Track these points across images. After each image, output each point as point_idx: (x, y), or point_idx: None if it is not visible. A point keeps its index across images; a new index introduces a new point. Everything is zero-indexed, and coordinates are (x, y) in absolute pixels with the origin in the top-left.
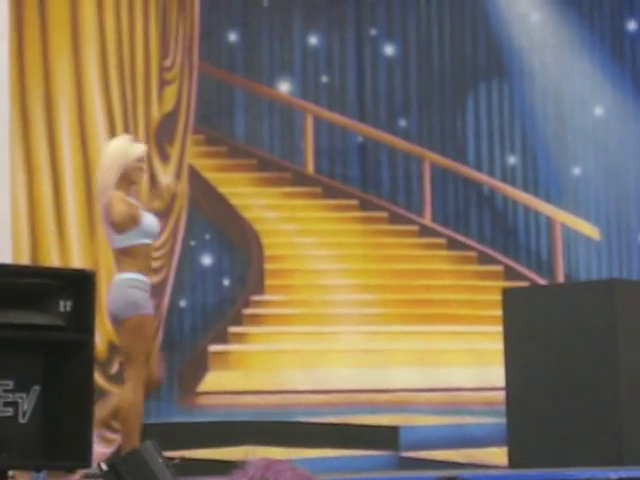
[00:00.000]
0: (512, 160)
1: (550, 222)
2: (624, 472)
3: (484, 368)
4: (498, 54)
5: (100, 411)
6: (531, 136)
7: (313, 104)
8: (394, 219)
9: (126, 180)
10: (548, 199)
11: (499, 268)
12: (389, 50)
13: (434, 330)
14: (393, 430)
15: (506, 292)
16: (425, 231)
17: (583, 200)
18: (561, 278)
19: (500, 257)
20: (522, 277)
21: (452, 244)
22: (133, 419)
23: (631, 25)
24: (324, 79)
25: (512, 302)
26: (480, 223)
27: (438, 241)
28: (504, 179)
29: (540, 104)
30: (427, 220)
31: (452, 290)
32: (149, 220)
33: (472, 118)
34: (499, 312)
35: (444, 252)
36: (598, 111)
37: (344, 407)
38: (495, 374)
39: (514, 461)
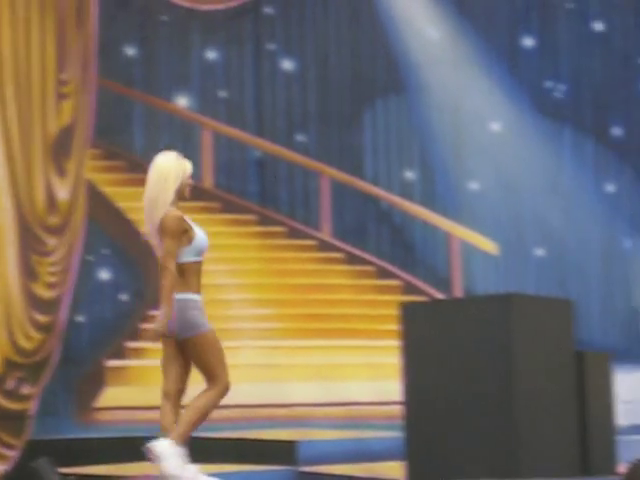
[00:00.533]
0: (410, 175)
1: (448, 237)
2: None
3: (382, 382)
4: (396, 69)
5: None
6: (429, 151)
7: (211, 119)
8: (293, 234)
9: (178, 196)
10: (446, 214)
11: (397, 283)
12: (287, 65)
13: (332, 344)
14: (291, 445)
15: (404, 306)
16: (324, 246)
17: (480, 215)
18: (459, 292)
19: (398, 272)
20: (420, 292)
21: (351, 259)
22: (199, 419)
23: (527, 41)
24: (222, 94)
25: (410, 316)
26: (378, 238)
27: (337, 256)
28: (402, 194)
29: (437, 119)
30: (326, 235)
31: (351, 304)
32: (201, 237)
33: (370, 133)
34: (397, 326)
35: (343, 267)
36: (495, 126)
37: (243, 422)
38: (393, 388)
39: (411, 475)
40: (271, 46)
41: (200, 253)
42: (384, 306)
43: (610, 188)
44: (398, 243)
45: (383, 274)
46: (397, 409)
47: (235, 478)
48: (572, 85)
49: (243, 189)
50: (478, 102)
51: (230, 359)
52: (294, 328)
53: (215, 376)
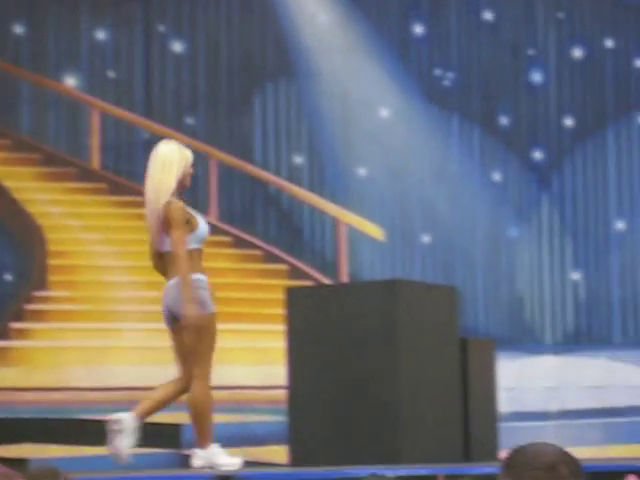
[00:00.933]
0: (298, 160)
1: (335, 222)
2: (402, 470)
3: (267, 366)
4: (286, 54)
5: None
6: (317, 136)
7: (99, 99)
8: None
9: (180, 185)
10: (334, 199)
11: (284, 267)
12: (177, 47)
13: (218, 328)
14: (176, 428)
15: (289, 291)
16: (212, 229)
17: (368, 201)
18: (345, 278)
19: (285, 256)
20: (307, 276)
21: (238, 243)
22: (206, 414)
23: (417, 29)
24: (111, 74)
25: (295, 301)
26: (266, 222)
27: (223, 239)
28: (290, 179)
29: (327, 105)
30: (213, 218)
31: (237, 288)
32: (203, 225)
33: (259, 117)
34: (283, 311)
35: (229, 250)
36: (384, 113)
37: (127, 404)
38: (278, 372)
39: (295, 459)
40: (161, 27)
41: (202, 240)
42: (270, 290)
43: (496, 176)
44: (285, 227)
45: (270, 258)
46: (281, 393)
47: None
48: (461, 73)
49: (131, 171)
50: (367, 88)
51: (115, 341)
52: None
53: (192, 367)
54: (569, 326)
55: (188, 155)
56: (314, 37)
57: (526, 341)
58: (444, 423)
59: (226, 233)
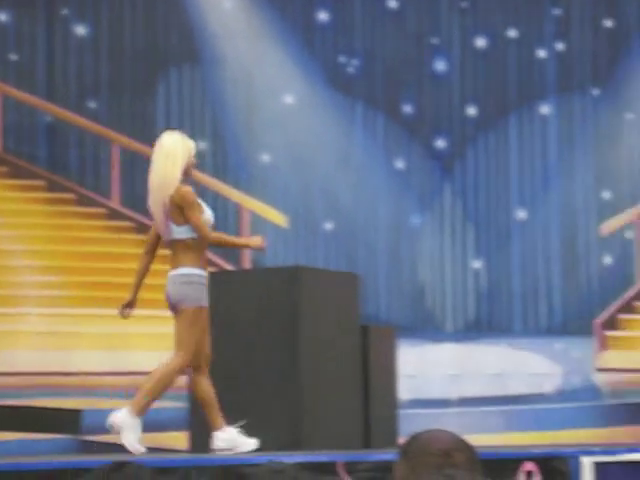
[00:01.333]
0: (202, 146)
1: (238, 209)
2: (300, 457)
3: (168, 352)
4: (190, 40)
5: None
6: (221, 122)
7: (1, 81)
8: (82, 201)
9: (185, 175)
10: (237, 186)
11: None
12: (80, 30)
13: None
14: (76, 414)
15: None
16: (113, 214)
17: (271, 188)
18: (248, 264)
19: None
20: (210, 263)
21: (140, 228)
22: (159, 386)
23: (322, 16)
24: (13, 57)
25: None
26: None
27: (126, 224)
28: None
29: (231, 91)
30: (115, 203)
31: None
32: (208, 213)
33: (163, 102)
34: None
35: (131, 235)
36: (288, 99)
37: (27, 390)
38: None
39: (195, 446)
40: (64, 11)
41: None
42: None
43: (400, 164)
44: None
45: None
46: (183, 379)
47: (16, 446)
48: (365, 61)
49: (32, 154)
50: (272, 75)
51: (15, 326)
52: (81, 296)
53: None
54: (470, 314)
55: (191, 145)
56: (219, 23)
57: (427, 329)
58: (344, 410)
59: (128, 218)
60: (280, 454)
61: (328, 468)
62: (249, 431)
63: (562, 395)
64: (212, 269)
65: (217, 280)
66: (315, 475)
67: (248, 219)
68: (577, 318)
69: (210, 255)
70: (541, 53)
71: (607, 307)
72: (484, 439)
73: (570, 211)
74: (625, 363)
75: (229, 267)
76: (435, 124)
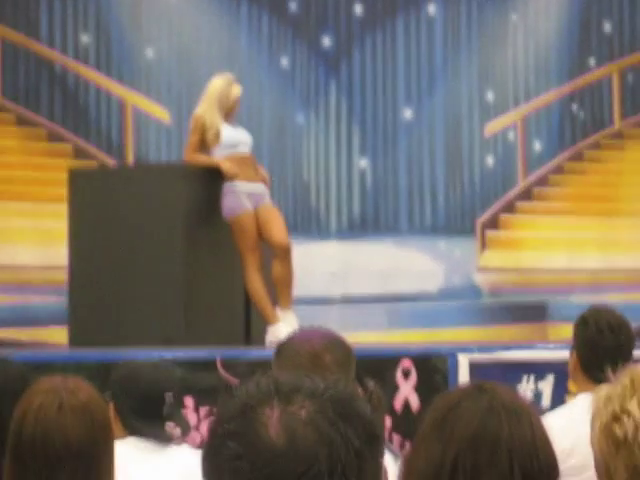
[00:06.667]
0: (85, 39)
1: (122, 103)
2: (179, 352)
3: (50, 247)
4: None
5: None
6: (105, 14)
7: None
8: None
9: (221, 114)
10: (121, 80)
11: (68, 147)
12: None
13: (0, 207)
14: None
15: (72, 172)
16: None
17: (155, 83)
18: (131, 160)
19: (70, 136)
20: (92, 157)
21: (21, 121)
22: (257, 298)
23: None
24: None
25: (78, 182)
26: (51, 101)
27: (7, 117)
28: (77, 58)
29: None
30: None
31: (19, 167)
32: (228, 133)
33: None
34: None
35: (13, 128)
36: None
37: None
38: (60, 253)
39: (74, 341)
40: None
41: (230, 145)
42: (54, 169)
43: (284, 62)
44: (71, 107)
45: (54, 137)
46: (63, 274)
47: None
48: None
49: None
50: None
51: None
52: None
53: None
54: (355, 213)
55: (233, 91)
56: None
57: (311, 227)
58: (226, 307)
59: (9, 111)
60: (159, 350)
61: (208, 364)
62: (129, 328)
63: (444, 294)
64: (94, 163)
65: (99, 175)
66: (195, 371)
67: (132, 114)
68: (460, 217)
69: (92, 149)
70: None
71: (489, 207)
72: (367, 337)
73: (455, 112)
74: (505, 263)
75: (112, 162)
76: (321, 22)
